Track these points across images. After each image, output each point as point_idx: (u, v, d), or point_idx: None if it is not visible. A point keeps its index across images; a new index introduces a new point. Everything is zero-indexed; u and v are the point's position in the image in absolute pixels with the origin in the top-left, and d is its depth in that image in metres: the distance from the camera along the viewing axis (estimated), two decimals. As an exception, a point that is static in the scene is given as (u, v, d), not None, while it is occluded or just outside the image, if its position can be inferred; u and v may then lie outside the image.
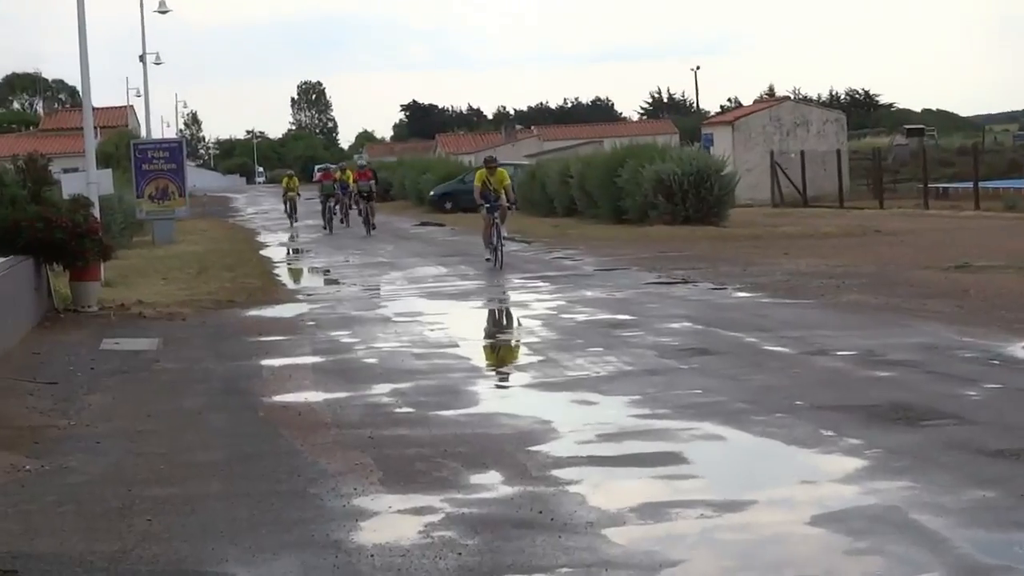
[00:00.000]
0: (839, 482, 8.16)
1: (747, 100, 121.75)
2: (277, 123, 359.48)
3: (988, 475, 8.10)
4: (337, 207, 44.93)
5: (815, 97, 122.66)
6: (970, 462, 8.45)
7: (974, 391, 10.94)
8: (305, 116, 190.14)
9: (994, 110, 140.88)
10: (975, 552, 6.63)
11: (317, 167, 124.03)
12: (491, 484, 8.42)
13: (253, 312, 19.72)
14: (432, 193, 58.03)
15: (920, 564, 6.50)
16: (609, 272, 24.37)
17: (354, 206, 43.43)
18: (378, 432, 10.24)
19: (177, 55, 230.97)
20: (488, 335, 16.17)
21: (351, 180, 44.33)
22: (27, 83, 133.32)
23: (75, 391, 12.72)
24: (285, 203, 50.15)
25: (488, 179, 26.53)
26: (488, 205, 26.27)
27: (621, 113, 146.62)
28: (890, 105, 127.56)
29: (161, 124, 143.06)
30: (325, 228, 43.39)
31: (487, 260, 26.05)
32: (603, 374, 12.69)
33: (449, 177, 59.00)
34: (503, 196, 26.42)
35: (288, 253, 35.13)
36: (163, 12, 56.37)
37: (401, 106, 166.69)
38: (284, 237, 42.74)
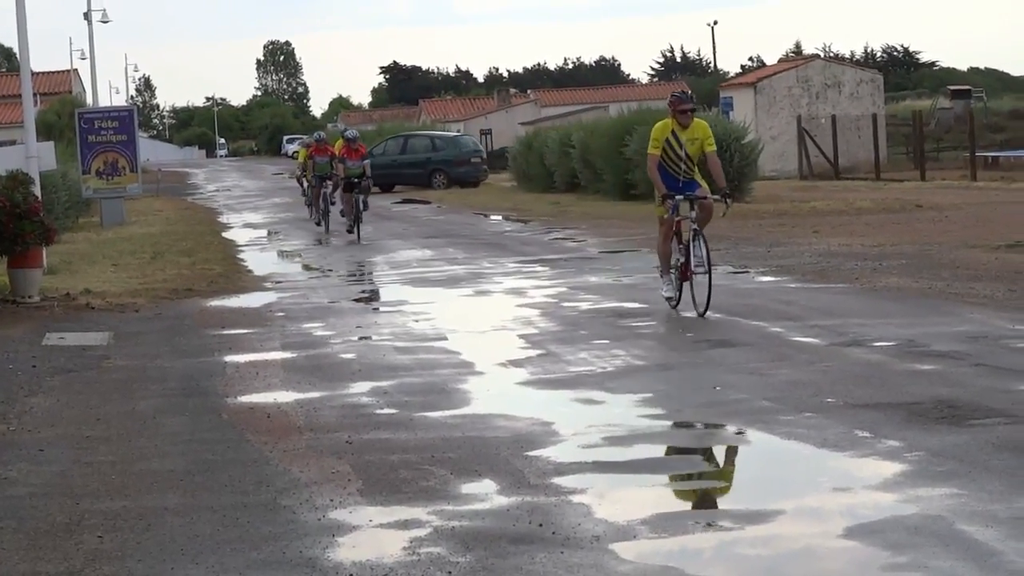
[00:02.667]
0: (876, 489, 8.18)
1: (771, 59, 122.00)
2: (241, 89, 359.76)
3: (1043, 480, 8.13)
4: (336, 194, 34.23)
5: (848, 55, 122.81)
6: (1023, 466, 8.47)
7: (1028, 386, 10.96)
8: (272, 80, 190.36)
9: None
10: (1029, 567, 6.66)
11: (286, 137, 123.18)
12: (484, 494, 8.44)
13: (215, 302, 19.74)
14: None
15: (967, 581, 6.53)
16: (616, 254, 24.41)
17: (335, 199, 34.38)
18: (357, 436, 10.26)
19: (127, 12, 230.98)
20: (480, 326, 16.19)
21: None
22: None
23: (15, 392, 12.73)
24: (304, 187, 40.65)
25: (675, 138, 15.92)
26: (676, 196, 15.93)
27: (629, 74, 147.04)
28: (932, 64, 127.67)
29: (110, 90, 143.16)
30: (319, 223, 35.08)
31: (667, 299, 16.28)
32: (610, 369, 12.72)
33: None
34: (702, 173, 16.22)
35: (254, 236, 35.11)
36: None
37: (380, 68, 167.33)
38: (251, 218, 42.74)
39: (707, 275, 15.58)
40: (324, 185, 35.09)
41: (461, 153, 56.16)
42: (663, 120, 16.18)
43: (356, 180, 31.82)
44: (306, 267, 25.40)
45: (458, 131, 71.57)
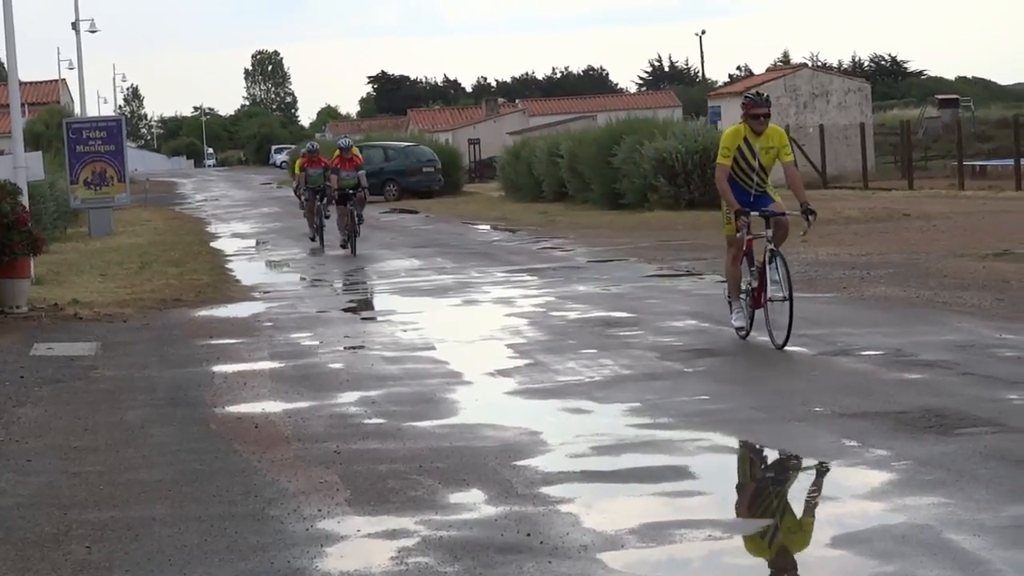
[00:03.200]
0: (863, 498, 8.19)
1: (759, 68, 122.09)
2: (229, 98, 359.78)
3: (1030, 489, 8.14)
4: (331, 207, 31.94)
5: (836, 64, 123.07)
6: (1011, 475, 8.48)
7: (1015, 395, 10.98)
8: (260, 90, 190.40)
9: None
10: None
11: (275, 147, 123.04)
12: (472, 503, 8.44)
13: (203, 312, 19.72)
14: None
15: (954, 589, 6.55)
16: (604, 264, 24.41)
17: (330, 212, 32.31)
18: (345, 446, 10.26)
19: (115, 22, 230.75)
20: (468, 336, 16.19)
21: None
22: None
23: (2, 403, 12.71)
24: (303, 201, 35.29)
25: (748, 147, 14.13)
26: (748, 213, 14.09)
27: (617, 84, 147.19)
28: (920, 73, 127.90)
29: (98, 100, 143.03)
30: (313, 238, 32.94)
31: (737, 329, 14.49)
32: (598, 379, 12.72)
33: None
34: (776, 186, 14.61)
35: (243, 245, 35.08)
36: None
37: (368, 78, 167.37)
38: (239, 227, 42.71)
39: (787, 302, 13.62)
40: (318, 198, 32.60)
41: (412, 163, 58.03)
42: (733, 127, 14.34)
43: (351, 192, 29.80)
44: (295, 277, 25.37)
45: (446, 141, 71.67)
